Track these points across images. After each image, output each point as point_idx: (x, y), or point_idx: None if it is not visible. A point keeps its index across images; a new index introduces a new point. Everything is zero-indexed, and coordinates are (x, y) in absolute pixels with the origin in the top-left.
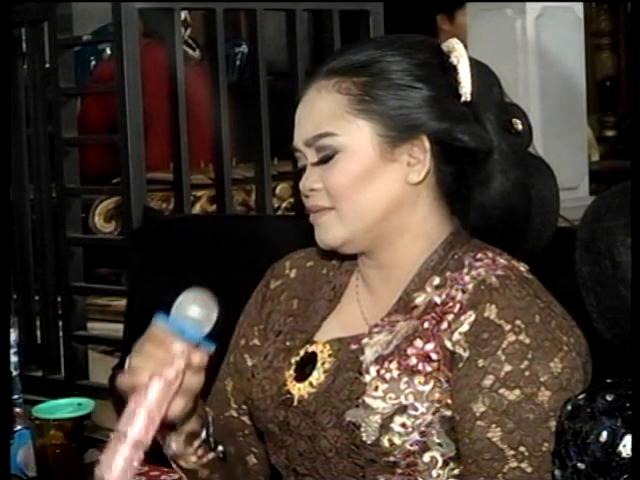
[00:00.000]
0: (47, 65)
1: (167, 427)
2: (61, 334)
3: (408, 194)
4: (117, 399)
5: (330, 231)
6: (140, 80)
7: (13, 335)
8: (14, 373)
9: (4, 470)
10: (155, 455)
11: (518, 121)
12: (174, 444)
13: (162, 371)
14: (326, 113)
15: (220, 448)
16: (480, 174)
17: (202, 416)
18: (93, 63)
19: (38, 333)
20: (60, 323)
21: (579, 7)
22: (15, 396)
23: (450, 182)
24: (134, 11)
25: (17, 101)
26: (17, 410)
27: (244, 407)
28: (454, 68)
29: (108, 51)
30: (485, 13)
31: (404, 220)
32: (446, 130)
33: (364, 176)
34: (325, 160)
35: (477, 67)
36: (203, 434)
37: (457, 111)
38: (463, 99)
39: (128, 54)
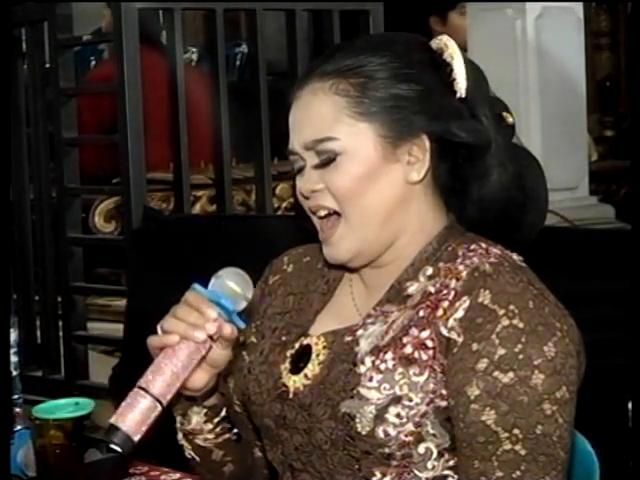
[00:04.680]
0: (47, 65)
1: (189, 400)
2: (61, 334)
3: (407, 193)
4: (117, 398)
5: (342, 245)
6: (140, 80)
7: (13, 335)
8: (14, 373)
9: (4, 470)
10: (155, 455)
11: (508, 114)
12: (195, 418)
13: (192, 334)
14: (325, 117)
15: (235, 430)
16: (478, 168)
17: (223, 395)
18: (93, 63)
19: (38, 333)
20: (60, 323)
21: (579, 7)
22: (15, 396)
23: (446, 178)
24: (134, 11)
25: (17, 101)
26: (17, 410)
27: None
28: (447, 65)
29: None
30: (485, 13)
31: (404, 220)
32: (444, 127)
33: (367, 177)
34: (327, 163)
35: (467, 65)
36: (223, 412)
37: (453, 108)
38: (458, 95)
39: (128, 54)
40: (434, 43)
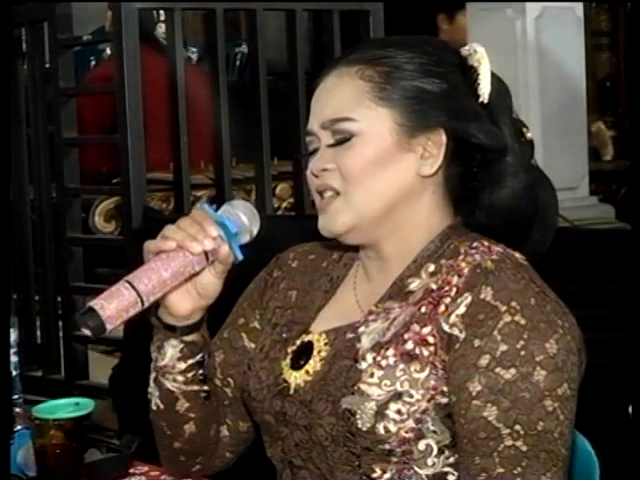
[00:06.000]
0: (47, 65)
1: (169, 329)
2: (61, 334)
3: (417, 186)
4: (117, 398)
5: (338, 217)
6: (140, 80)
7: (13, 335)
8: (14, 373)
9: (4, 470)
10: (155, 455)
11: (527, 131)
12: (170, 351)
13: (190, 244)
14: (347, 98)
15: (206, 387)
16: (492, 174)
17: (205, 339)
18: (93, 63)
19: (38, 333)
20: (60, 323)
21: (579, 7)
22: (15, 396)
23: (457, 182)
24: (134, 11)
25: (17, 101)
26: (17, 410)
27: (229, 379)
28: (474, 70)
29: (108, 51)
30: (485, 13)
31: (408, 212)
32: (463, 127)
33: (378, 162)
34: (341, 142)
35: (493, 75)
36: (199, 356)
37: (474, 110)
38: (481, 100)
39: (128, 54)
40: (464, 49)
